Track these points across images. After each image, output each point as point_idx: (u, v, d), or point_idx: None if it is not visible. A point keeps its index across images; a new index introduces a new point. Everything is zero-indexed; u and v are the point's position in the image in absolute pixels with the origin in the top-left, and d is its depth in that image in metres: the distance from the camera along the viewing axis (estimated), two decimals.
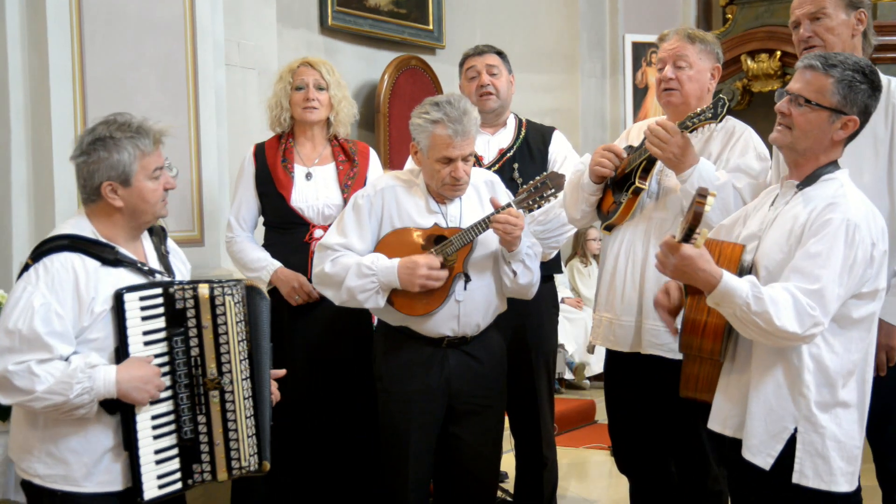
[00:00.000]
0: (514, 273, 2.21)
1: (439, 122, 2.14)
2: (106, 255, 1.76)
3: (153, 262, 1.87)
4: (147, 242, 1.89)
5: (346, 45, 4.50)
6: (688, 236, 1.65)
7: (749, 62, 5.20)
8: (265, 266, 2.52)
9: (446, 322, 2.21)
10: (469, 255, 2.20)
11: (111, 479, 1.75)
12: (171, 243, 1.97)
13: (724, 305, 1.68)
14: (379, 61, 4.63)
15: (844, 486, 1.72)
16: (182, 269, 1.97)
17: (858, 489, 1.79)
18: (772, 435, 1.71)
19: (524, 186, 2.24)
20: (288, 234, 2.56)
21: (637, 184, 2.20)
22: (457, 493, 2.32)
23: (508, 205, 2.17)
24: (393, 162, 4.37)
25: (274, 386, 1.93)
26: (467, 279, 2.20)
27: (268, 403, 1.87)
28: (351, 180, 2.58)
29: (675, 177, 2.17)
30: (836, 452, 1.70)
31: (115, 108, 2.63)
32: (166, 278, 1.84)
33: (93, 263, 1.74)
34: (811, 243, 1.67)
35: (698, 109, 2.13)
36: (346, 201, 2.52)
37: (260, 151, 2.60)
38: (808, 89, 1.72)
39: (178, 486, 1.78)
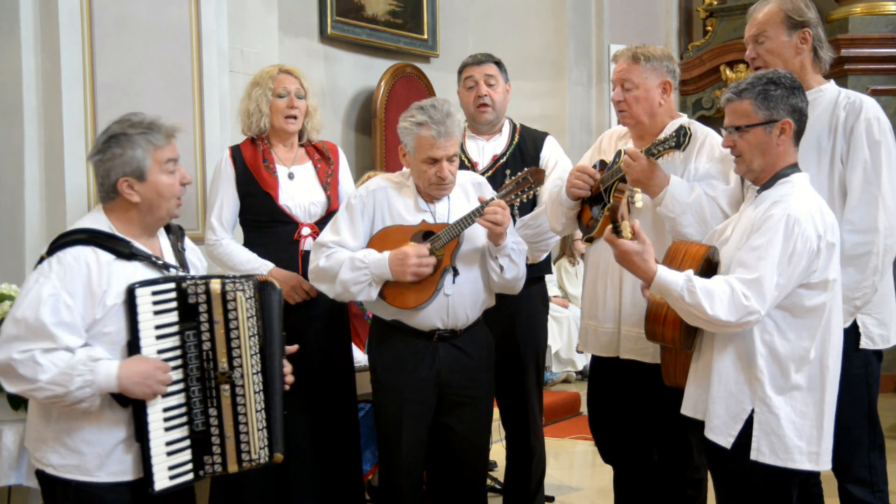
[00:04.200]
0: (501, 268, 2.28)
1: (423, 125, 2.22)
2: (121, 248, 1.77)
3: (169, 258, 1.87)
4: (164, 240, 1.91)
5: (345, 53, 4.61)
6: (615, 229, 1.82)
7: (728, 72, 5.39)
8: (257, 267, 2.52)
9: (436, 315, 2.27)
10: (456, 250, 2.26)
11: (123, 470, 1.76)
12: (188, 241, 1.99)
13: (665, 297, 1.83)
14: (376, 69, 4.74)
15: (805, 463, 1.82)
16: (198, 265, 1.98)
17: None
18: (732, 416, 1.83)
19: (507, 182, 2.32)
20: (274, 233, 2.57)
21: (611, 202, 2.30)
22: (449, 480, 2.40)
23: (493, 199, 2.24)
24: (389, 165, 4.48)
25: (287, 368, 1.93)
26: (455, 273, 2.27)
27: (280, 394, 1.88)
28: (330, 178, 2.63)
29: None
30: (792, 432, 1.80)
31: (124, 111, 2.70)
32: (180, 273, 1.85)
33: (107, 257, 1.74)
34: (753, 238, 1.80)
35: (663, 137, 2.20)
36: (329, 199, 2.59)
37: (237, 153, 2.59)
38: (735, 118, 1.89)
39: (190, 476, 1.79)
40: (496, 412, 2.68)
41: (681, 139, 2.16)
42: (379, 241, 2.31)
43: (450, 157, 2.26)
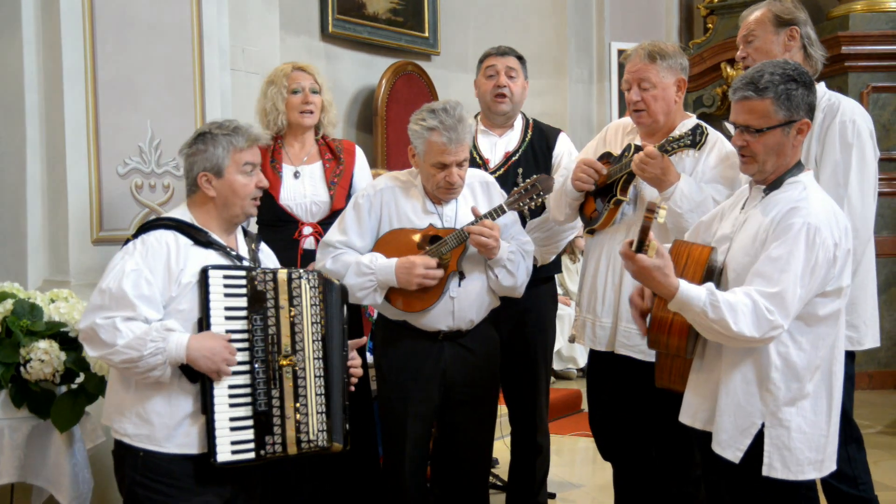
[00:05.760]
0: (497, 276, 2.30)
1: (434, 130, 2.21)
2: (199, 236, 1.91)
3: (243, 254, 1.98)
4: (241, 238, 2.03)
5: (346, 52, 4.63)
6: (640, 246, 1.72)
7: (729, 69, 5.39)
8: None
9: (442, 317, 2.29)
10: (463, 254, 2.29)
11: (189, 443, 1.86)
12: (264, 247, 2.11)
13: (684, 312, 1.75)
14: (377, 67, 4.76)
15: (812, 473, 1.78)
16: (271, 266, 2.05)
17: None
18: (740, 430, 1.77)
19: (515, 189, 2.34)
20: (278, 231, 2.59)
21: (619, 196, 2.31)
22: (452, 477, 2.42)
23: (486, 215, 2.26)
24: (390, 163, 4.49)
25: (356, 361, 2.02)
26: (461, 277, 2.29)
27: (340, 386, 1.94)
28: (337, 177, 2.65)
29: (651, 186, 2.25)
30: (803, 444, 1.76)
31: (126, 109, 2.76)
32: (250, 265, 1.95)
33: (185, 241, 1.89)
34: (773, 247, 1.71)
35: (678, 134, 2.19)
36: (332, 198, 2.61)
37: None
38: (753, 118, 1.76)
39: (251, 455, 1.85)
40: (503, 409, 2.70)
41: (697, 138, 2.15)
42: (385, 244, 2.31)
43: (459, 163, 2.26)
